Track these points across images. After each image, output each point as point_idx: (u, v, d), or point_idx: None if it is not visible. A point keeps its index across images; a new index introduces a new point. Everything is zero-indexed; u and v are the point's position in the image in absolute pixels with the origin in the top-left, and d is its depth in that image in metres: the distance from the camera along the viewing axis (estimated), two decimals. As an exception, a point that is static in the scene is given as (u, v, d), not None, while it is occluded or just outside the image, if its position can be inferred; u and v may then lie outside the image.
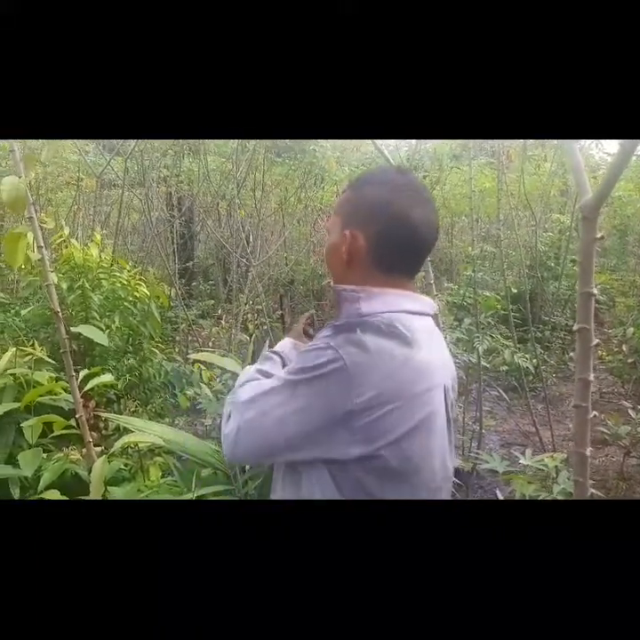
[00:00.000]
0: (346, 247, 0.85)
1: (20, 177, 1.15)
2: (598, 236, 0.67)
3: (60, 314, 1.31)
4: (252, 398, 0.82)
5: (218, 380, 2.99)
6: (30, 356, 1.93)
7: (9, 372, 1.85)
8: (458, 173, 5.31)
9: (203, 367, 2.87)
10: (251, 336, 4.16)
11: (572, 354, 4.75)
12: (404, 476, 0.77)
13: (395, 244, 0.85)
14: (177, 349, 3.97)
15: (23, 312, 2.22)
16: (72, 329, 1.92)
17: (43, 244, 1.22)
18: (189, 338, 4.38)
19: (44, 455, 1.82)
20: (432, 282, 1.78)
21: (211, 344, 4.20)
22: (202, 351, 3.17)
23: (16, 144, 1.19)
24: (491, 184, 4.73)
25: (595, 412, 0.73)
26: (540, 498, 2.00)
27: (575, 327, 0.69)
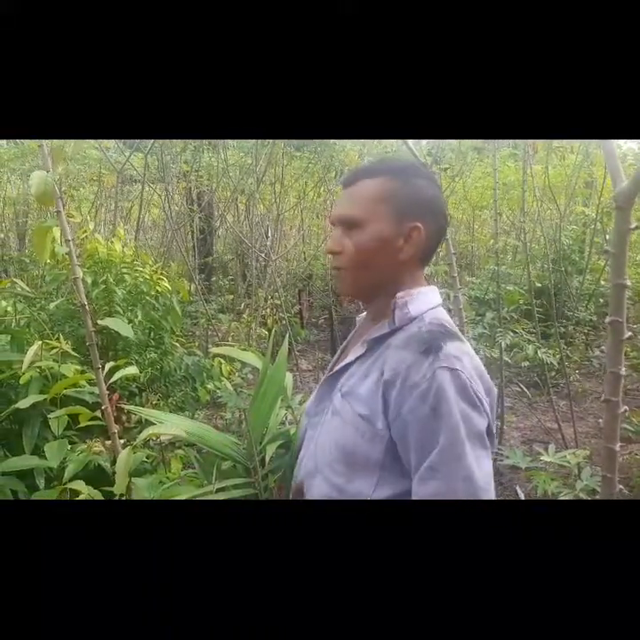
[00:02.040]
0: (410, 241, 0.83)
1: (48, 171, 1.16)
2: (632, 226, 0.65)
3: (87, 307, 1.33)
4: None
5: (237, 374, 3.02)
6: (56, 350, 1.97)
7: (35, 364, 1.88)
8: (480, 166, 5.24)
9: (223, 361, 2.89)
10: (270, 331, 4.18)
11: (597, 349, 4.66)
12: None
13: (440, 240, 0.88)
14: (197, 343, 4.01)
15: (51, 305, 2.26)
16: (99, 322, 1.95)
17: (70, 238, 1.23)
18: (209, 332, 4.42)
19: (69, 447, 1.86)
20: (456, 275, 1.76)
21: (230, 339, 4.23)
22: (223, 345, 3.20)
23: (44, 140, 1.21)
24: (514, 176, 4.66)
25: (625, 407, 0.71)
26: (562, 494, 1.97)
27: (607, 319, 0.68)
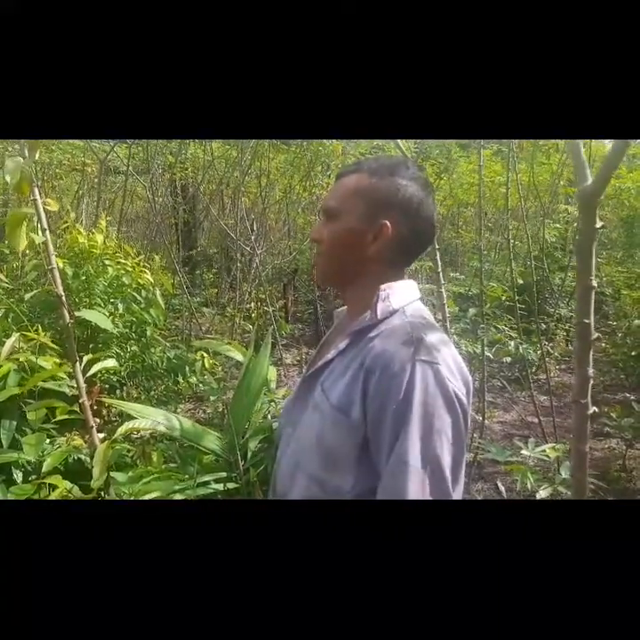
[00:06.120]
0: (379, 238, 0.84)
1: (23, 158, 1.13)
2: (598, 225, 0.65)
3: (65, 298, 1.30)
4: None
5: (221, 368, 3.01)
6: (34, 342, 1.94)
7: (13, 357, 1.86)
8: (466, 163, 5.26)
9: (205, 355, 2.88)
10: (253, 324, 4.17)
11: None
12: None
13: (419, 242, 0.87)
14: (180, 337, 3.99)
15: (27, 296, 2.22)
16: (76, 313, 1.91)
17: (47, 227, 1.20)
18: (192, 326, 4.39)
19: (48, 440, 1.83)
20: (440, 271, 1.77)
21: (213, 332, 4.21)
22: (206, 339, 3.18)
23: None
24: (500, 177, 4.69)
25: (594, 408, 0.72)
26: (542, 488, 2.01)
27: (575, 322, 0.68)
